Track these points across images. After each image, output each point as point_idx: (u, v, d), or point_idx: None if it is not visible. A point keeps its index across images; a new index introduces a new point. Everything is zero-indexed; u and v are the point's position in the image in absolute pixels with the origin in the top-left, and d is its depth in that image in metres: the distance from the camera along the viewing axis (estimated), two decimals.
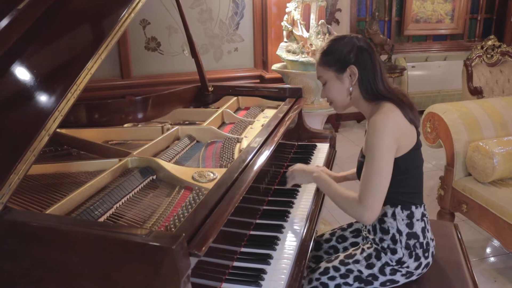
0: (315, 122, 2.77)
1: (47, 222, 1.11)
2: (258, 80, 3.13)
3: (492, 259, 2.81)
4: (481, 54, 3.98)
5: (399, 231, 1.54)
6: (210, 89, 2.51)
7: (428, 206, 3.17)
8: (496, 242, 2.89)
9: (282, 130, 1.89)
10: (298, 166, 1.74)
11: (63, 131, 1.95)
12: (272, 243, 1.47)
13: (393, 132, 1.45)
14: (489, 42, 4.00)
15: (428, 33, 5.50)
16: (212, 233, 1.11)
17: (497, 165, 2.47)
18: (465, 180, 2.67)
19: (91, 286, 1.07)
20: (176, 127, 1.99)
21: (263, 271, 1.33)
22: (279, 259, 1.40)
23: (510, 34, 5.21)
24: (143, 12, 2.89)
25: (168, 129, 1.97)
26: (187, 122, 2.26)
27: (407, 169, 1.52)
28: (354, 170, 1.93)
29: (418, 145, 1.56)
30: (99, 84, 2.89)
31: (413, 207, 1.56)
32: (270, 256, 1.40)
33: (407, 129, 1.51)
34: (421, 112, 2.87)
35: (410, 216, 1.55)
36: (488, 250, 2.91)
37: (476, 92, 3.74)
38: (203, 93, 2.52)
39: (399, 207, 1.55)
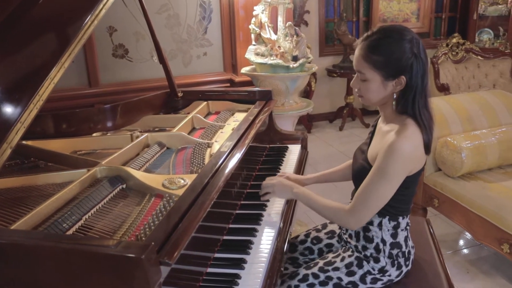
0: (286, 124, 2.78)
1: (12, 238, 1.07)
2: (228, 84, 3.12)
3: (464, 251, 2.87)
4: (446, 51, 4.08)
5: (383, 241, 1.54)
6: (180, 94, 2.49)
7: None
8: (468, 235, 2.96)
9: (252, 132, 1.89)
10: (278, 181, 1.70)
11: (30, 143, 1.90)
12: (245, 247, 1.46)
13: (409, 160, 1.41)
14: (454, 40, 4.11)
15: None
16: (183, 240, 1.10)
17: (465, 159, 2.53)
18: (435, 175, 2.73)
19: None
20: (146, 134, 1.96)
21: (237, 276, 1.32)
22: (253, 263, 1.39)
23: (473, 32, 5.36)
24: (109, 19, 2.86)
25: (137, 137, 1.94)
26: (157, 129, 2.23)
27: (407, 187, 1.50)
28: (325, 172, 1.93)
29: (423, 168, 1.53)
30: (66, 94, 2.83)
31: (400, 218, 1.55)
32: (244, 261, 1.39)
33: (421, 155, 1.47)
34: None
35: (396, 227, 1.55)
36: (460, 242, 2.98)
37: (443, 89, 3.83)
38: (172, 99, 2.50)
39: (387, 218, 1.53)
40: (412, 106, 1.43)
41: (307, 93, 5.09)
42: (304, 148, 2.42)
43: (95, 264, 0.98)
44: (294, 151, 2.33)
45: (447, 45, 4.09)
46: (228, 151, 1.67)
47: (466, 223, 2.52)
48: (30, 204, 1.41)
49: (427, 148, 1.47)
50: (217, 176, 1.46)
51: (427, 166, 2.74)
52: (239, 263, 1.38)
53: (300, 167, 2.22)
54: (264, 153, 2.30)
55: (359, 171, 1.54)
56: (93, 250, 0.97)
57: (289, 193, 1.66)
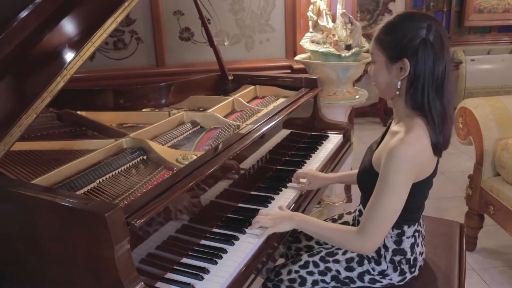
0: (338, 114, 2.73)
1: (19, 188, 1.23)
2: (289, 71, 3.14)
3: None
4: None
5: (385, 247, 1.49)
6: (230, 77, 2.58)
7: (459, 206, 2.99)
8: None
9: (278, 119, 1.92)
10: (273, 214, 1.51)
11: (84, 113, 2.12)
12: (243, 226, 1.51)
13: (413, 166, 1.31)
14: None
15: (492, 24, 5.14)
16: (155, 209, 1.19)
17: None
18: (493, 180, 2.52)
19: (52, 245, 1.19)
20: (182, 112, 2.08)
21: (223, 251, 1.38)
22: (244, 241, 1.44)
23: None
24: (178, 3, 3.03)
25: (174, 114, 2.07)
26: (201, 109, 2.35)
27: (412, 196, 1.39)
28: (350, 172, 1.88)
29: (433, 174, 1.43)
30: (136, 72, 3.07)
31: (405, 227, 1.48)
32: (236, 238, 1.45)
33: (428, 160, 1.37)
34: None
35: (400, 235, 1.48)
36: None
37: None
38: (223, 82, 2.60)
39: None
40: (421, 97, 1.32)
41: None
42: (346, 139, 2.38)
43: (74, 218, 1.11)
44: (333, 140, 2.31)
45: None
46: (245, 133, 1.73)
47: None
48: (61, 165, 1.59)
49: (436, 149, 1.36)
50: (219, 156, 1.53)
51: (485, 169, 2.54)
52: (230, 239, 1.43)
53: (335, 158, 2.19)
54: (302, 140, 2.31)
55: (362, 171, 1.49)
56: (70, 205, 1.10)
57: (289, 222, 1.48)
